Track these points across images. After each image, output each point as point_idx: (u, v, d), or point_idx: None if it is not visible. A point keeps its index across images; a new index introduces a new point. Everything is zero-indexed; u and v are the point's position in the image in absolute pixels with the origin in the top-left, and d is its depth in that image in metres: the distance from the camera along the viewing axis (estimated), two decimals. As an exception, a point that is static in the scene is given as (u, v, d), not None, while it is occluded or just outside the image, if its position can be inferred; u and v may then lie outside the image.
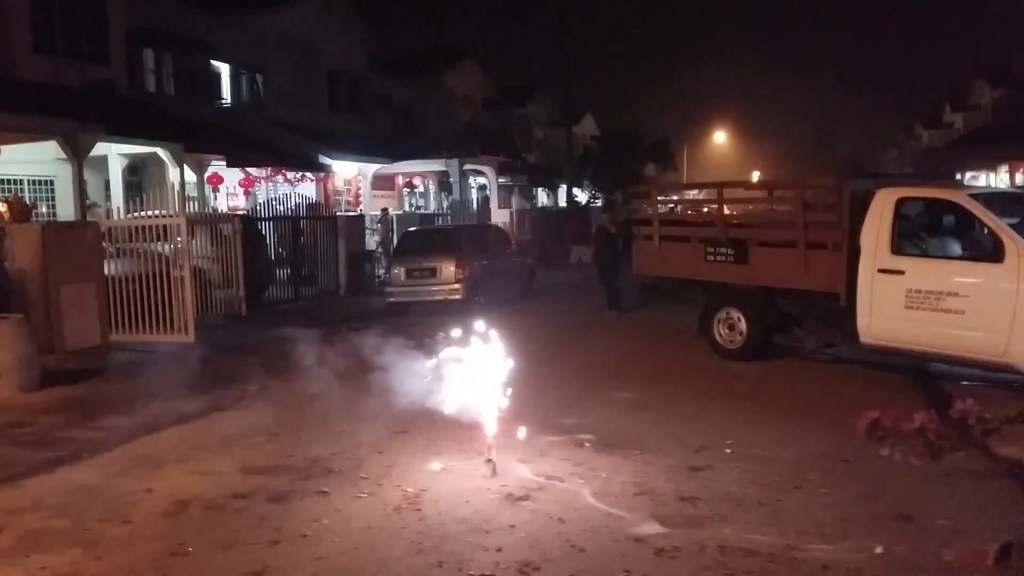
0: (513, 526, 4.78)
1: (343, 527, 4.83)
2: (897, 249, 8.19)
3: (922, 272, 7.99)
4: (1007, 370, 7.53)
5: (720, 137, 54.13)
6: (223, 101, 23.85)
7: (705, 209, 11.70)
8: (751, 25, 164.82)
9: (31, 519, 5.15)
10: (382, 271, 19.14)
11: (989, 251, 7.53)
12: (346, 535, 4.71)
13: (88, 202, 16.05)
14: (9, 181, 17.28)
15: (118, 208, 13.94)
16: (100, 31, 18.25)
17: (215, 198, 21.04)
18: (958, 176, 26.28)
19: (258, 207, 18.94)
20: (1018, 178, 29.11)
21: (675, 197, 13.92)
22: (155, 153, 17.48)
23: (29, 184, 17.86)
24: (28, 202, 11.84)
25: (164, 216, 12.10)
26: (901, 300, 8.04)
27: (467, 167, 28.92)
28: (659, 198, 12.09)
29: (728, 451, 6.19)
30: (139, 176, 20.31)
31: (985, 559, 4.18)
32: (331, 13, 26.64)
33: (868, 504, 5.05)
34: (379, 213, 22.07)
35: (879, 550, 4.36)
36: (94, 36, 18.10)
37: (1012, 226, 7.59)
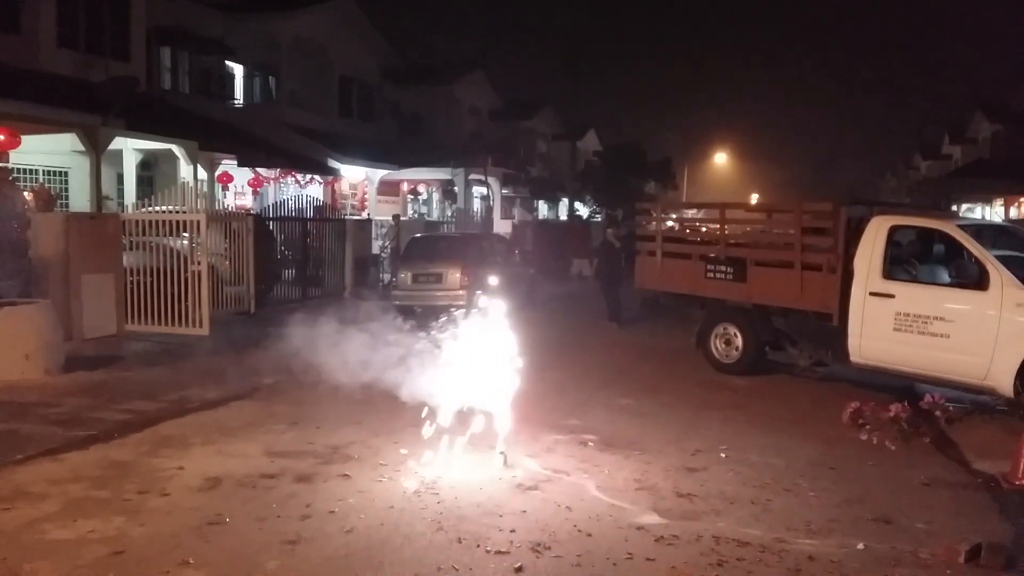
0: (524, 511, 5.18)
1: (367, 506, 5.23)
2: (888, 274, 8.63)
3: (911, 297, 8.42)
4: (987, 393, 7.96)
5: (721, 158, 54.65)
6: (236, 101, 24.31)
7: (703, 228, 12.10)
8: (758, 50, 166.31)
9: (73, 489, 5.51)
10: (385, 275, 19.50)
11: (975, 279, 7.97)
12: (371, 512, 5.10)
13: (102, 195, 16.42)
14: (26, 170, 17.62)
15: (132, 204, 14.29)
16: (123, 28, 18.72)
17: (224, 196, 21.42)
18: (953, 207, 26.80)
19: (268, 207, 19.30)
20: (1012, 212, 29.65)
21: (677, 216, 14.28)
22: (168, 149, 17.87)
23: (44, 174, 18.23)
24: (52, 192, 12.24)
25: (183, 212, 12.48)
26: (890, 322, 8.47)
27: (472, 177, 29.37)
28: (663, 215, 12.45)
29: (722, 455, 6.60)
30: (151, 171, 20.76)
31: (957, 557, 4.63)
32: (345, 21, 27.13)
33: (852, 507, 5.47)
34: (390, 219, 22.46)
35: (861, 546, 4.78)
36: (116, 33, 18.55)
37: (998, 257, 8.03)
